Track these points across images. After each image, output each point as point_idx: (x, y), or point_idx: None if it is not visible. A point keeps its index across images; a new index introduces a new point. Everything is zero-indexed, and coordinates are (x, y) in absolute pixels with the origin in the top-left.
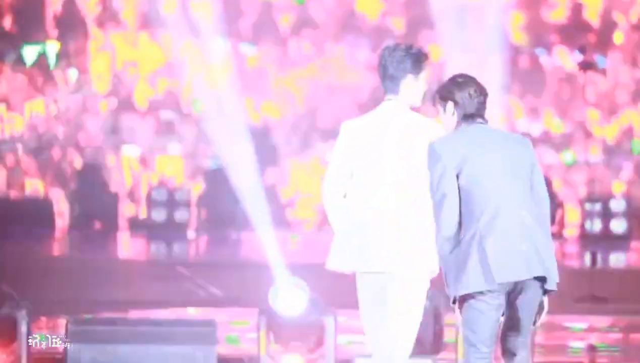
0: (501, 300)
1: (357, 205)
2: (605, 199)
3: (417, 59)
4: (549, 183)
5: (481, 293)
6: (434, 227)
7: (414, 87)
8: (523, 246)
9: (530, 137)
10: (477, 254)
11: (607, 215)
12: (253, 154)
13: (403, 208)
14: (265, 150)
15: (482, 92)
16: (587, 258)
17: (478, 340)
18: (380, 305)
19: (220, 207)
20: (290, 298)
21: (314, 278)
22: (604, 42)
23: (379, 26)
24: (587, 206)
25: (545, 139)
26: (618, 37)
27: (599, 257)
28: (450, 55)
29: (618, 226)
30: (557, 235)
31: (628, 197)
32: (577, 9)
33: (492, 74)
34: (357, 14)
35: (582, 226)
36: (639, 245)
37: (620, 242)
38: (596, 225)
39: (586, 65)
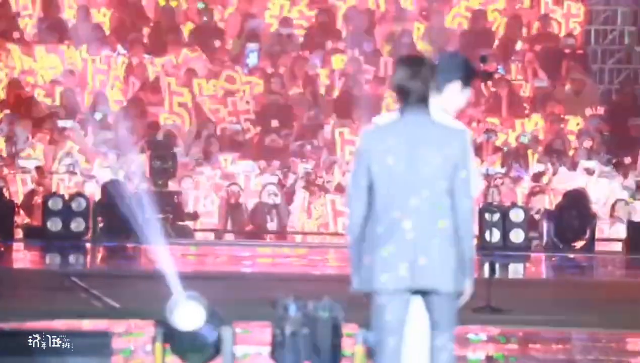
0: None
1: None
2: (505, 210)
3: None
4: None
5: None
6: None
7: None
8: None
9: None
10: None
11: (506, 225)
12: (153, 163)
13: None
14: (166, 160)
15: (418, 76)
16: (486, 268)
17: None
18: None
19: (117, 217)
20: (187, 310)
21: (212, 289)
22: (505, 52)
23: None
24: (487, 216)
25: None
26: (519, 47)
27: (496, 267)
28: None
29: (516, 236)
30: None
31: (527, 208)
32: (479, 19)
33: None
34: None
35: (481, 237)
36: (537, 256)
37: (519, 252)
38: (495, 236)
39: (486, 76)
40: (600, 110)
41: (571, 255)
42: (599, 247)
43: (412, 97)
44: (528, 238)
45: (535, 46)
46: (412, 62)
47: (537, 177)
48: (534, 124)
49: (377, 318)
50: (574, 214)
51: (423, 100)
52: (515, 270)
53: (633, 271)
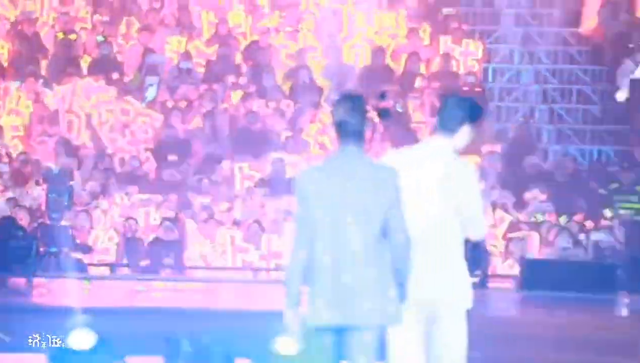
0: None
1: None
2: None
3: None
4: None
5: None
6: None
7: None
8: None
9: None
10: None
11: None
12: (49, 196)
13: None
14: (62, 193)
15: (356, 115)
16: None
17: None
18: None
19: (9, 249)
20: (79, 334)
21: (105, 323)
22: (404, 88)
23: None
24: None
25: None
26: (418, 84)
27: None
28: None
29: None
30: None
31: None
32: (378, 55)
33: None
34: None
35: None
36: None
37: None
38: None
39: (384, 112)
40: (497, 147)
41: None
42: (492, 283)
43: (350, 132)
44: None
45: (434, 83)
46: (352, 98)
47: None
48: None
49: None
50: (469, 247)
51: (359, 135)
52: None
53: (526, 308)
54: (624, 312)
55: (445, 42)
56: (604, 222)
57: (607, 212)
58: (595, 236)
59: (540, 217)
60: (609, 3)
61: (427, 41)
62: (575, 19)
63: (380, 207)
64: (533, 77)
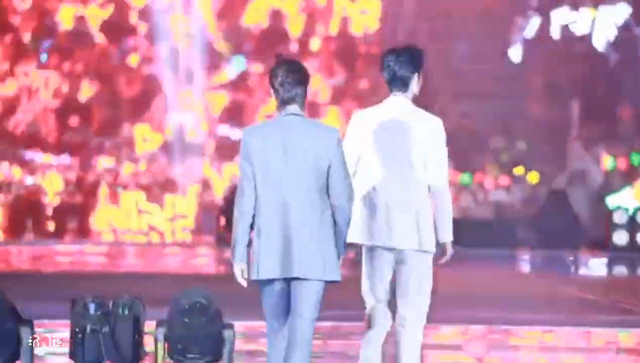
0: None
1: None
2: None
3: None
4: None
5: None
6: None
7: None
8: (280, 247)
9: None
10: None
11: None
12: None
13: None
14: None
15: (294, 79)
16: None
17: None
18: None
19: None
20: None
21: (11, 287)
22: (302, 50)
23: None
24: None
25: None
26: (315, 45)
27: None
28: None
29: None
30: None
31: None
32: (276, 18)
33: (197, 83)
34: None
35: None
36: None
37: None
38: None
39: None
40: None
41: None
42: None
43: (291, 95)
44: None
45: (332, 45)
46: (290, 65)
47: None
48: (331, 121)
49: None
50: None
51: (301, 98)
52: None
53: None
54: (525, 267)
55: (342, 7)
56: (502, 182)
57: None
58: (495, 195)
59: None
60: None
61: (323, 3)
62: None
63: (320, 167)
64: (428, 35)
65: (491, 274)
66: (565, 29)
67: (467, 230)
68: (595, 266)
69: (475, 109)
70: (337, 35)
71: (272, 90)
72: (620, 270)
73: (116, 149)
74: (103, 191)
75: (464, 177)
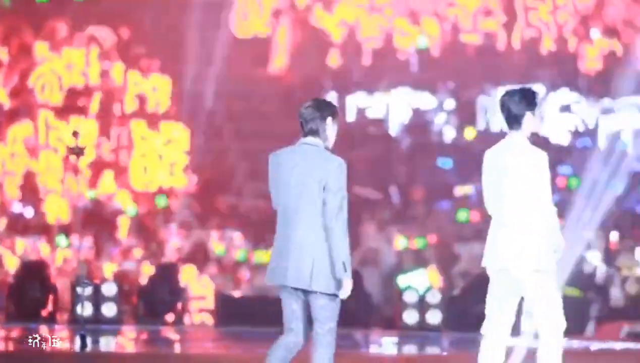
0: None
1: None
2: (97, 283)
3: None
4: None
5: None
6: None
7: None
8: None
9: None
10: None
11: (98, 298)
12: None
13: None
14: None
15: (307, 114)
16: (78, 342)
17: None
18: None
19: None
20: None
21: None
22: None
23: None
24: (78, 290)
25: None
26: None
27: (88, 340)
28: None
29: (109, 310)
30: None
31: (119, 281)
32: (71, 95)
33: None
34: None
35: (72, 311)
36: (128, 329)
37: (111, 325)
38: (87, 310)
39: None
40: (192, 187)
41: (161, 328)
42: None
43: (306, 129)
44: (120, 311)
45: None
46: (311, 102)
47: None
48: None
49: None
50: (164, 288)
51: (314, 133)
52: (107, 344)
53: (222, 342)
54: None
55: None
56: None
57: None
58: None
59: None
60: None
61: (120, 80)
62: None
63: (319, 192)
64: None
65: None
66: (360, 112)
67: (262, 309)
68: (387, 345)
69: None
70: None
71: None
72: (411, 349)
73: None
74: None
75: (260, 254)
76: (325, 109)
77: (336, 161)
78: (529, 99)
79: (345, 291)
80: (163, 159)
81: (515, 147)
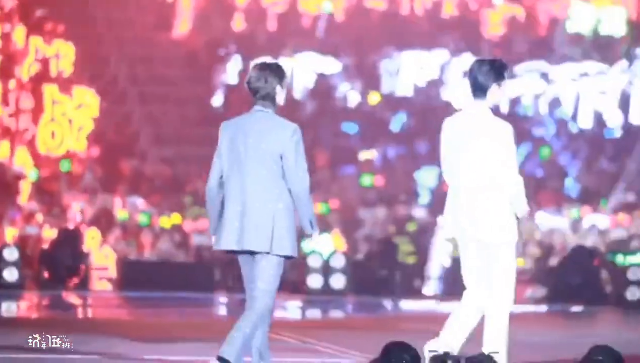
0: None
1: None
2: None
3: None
4: None
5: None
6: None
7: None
8: (236, 223)
9: None
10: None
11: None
12: None
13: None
14: None
15: (258, 82)
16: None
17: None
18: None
19: None
20: None
21: None
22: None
23: None
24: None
25: None
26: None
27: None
28: None
29: (10, 275)
30: None
31: (21, 245)
32: None
33: None
34: None
35: None
36: (30, 294)
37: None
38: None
39: None
40: (96, 151)
41: (64, 293)
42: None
43: (259, 95)
44: (22, 276)
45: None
46: (260, 66)
47: None
48: None
49: None
50: (67, 253)
51: (267, 97)
52: (9, 309)
53: (124, 308)
54: (222, 309)
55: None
56: (203, 224)
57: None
58: (197, 239)
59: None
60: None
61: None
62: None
63: (272, 156)
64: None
65: (191, 318)
66: None
67: (167, 274)
68: (291, 309)
69: (177, 153)
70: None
71: (248, 88)
72: (315, 312)
73: None
74: None
75: (164, 220)
76: (275, 74)
77: (290, 127)
78: (497, 71)
79: (314, 240)
80: (73, 123)
81: (479, 116)
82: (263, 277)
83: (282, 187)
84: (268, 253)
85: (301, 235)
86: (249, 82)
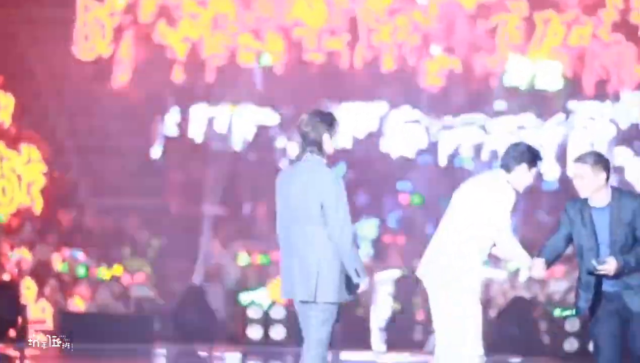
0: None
1: None
2: None
3: None
4: None
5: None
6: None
7: None
8: (287, 273)
9: None
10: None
11: None
12: None
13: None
14: None
15: (306, 128)
16: None
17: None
18: None
19: None
20: None
21: None
22: None
23: None
24: None
25: None
26: None
27: None
28: None
29: None
30: None
31: None
32: None
33: None
34: None
35: None
36: None
37: None
38: None
39: None
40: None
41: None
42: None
43: (307, 141)
44: None
45: None
46: (313, 112)
47: None
48: None
49: None
50: (3, 305)
51: (314, 144)
52: None
53: (64, 360)
54: (161, 361)
55: None
56: (142, 276)
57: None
58: (137, 291)
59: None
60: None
61: None
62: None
63: (316, 205)
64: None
65: None
66: (206, 126)
67: (103, 326)
68: (230, 360)
69: (117, 205)
70: None
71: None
72: None
73: None
74: None
75: (102, 271)
76: (324, 121)
77: (328, 175)
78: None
79: (362, 288)
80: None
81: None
82: (312, 326)
83: (326, 235)
84: (314, 302)
85: (238, 288)
86: (299, 126)
